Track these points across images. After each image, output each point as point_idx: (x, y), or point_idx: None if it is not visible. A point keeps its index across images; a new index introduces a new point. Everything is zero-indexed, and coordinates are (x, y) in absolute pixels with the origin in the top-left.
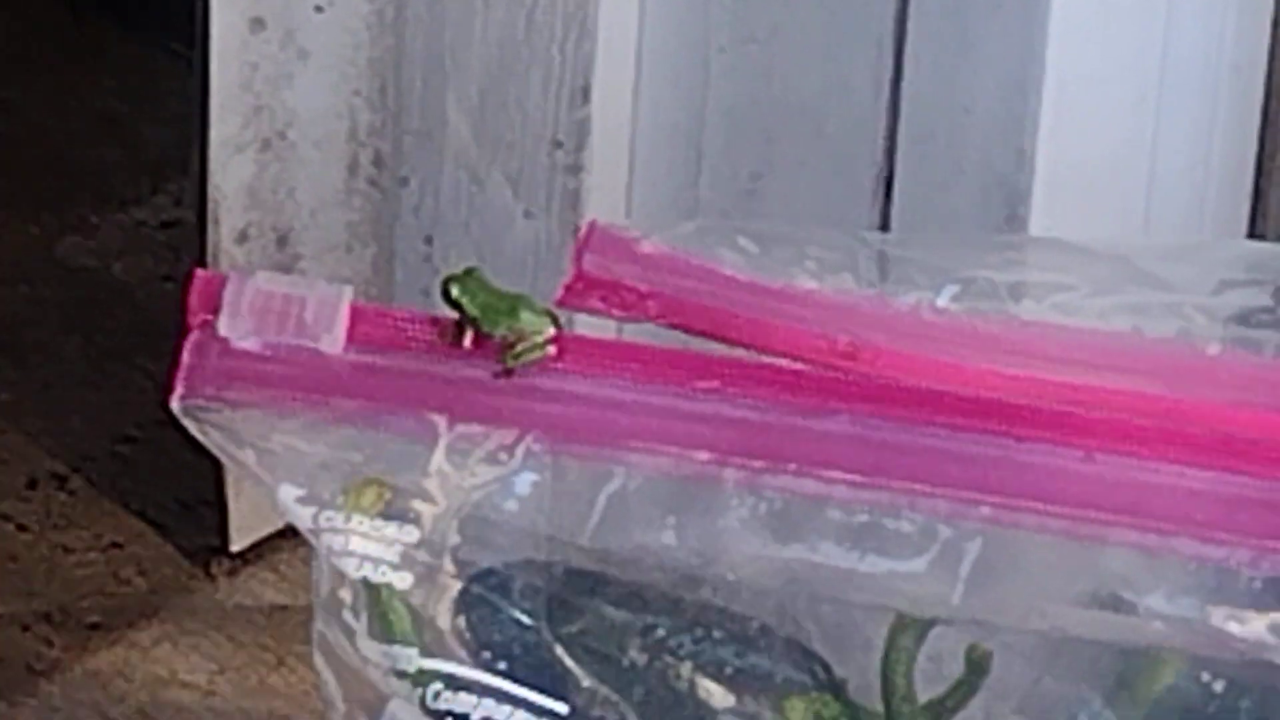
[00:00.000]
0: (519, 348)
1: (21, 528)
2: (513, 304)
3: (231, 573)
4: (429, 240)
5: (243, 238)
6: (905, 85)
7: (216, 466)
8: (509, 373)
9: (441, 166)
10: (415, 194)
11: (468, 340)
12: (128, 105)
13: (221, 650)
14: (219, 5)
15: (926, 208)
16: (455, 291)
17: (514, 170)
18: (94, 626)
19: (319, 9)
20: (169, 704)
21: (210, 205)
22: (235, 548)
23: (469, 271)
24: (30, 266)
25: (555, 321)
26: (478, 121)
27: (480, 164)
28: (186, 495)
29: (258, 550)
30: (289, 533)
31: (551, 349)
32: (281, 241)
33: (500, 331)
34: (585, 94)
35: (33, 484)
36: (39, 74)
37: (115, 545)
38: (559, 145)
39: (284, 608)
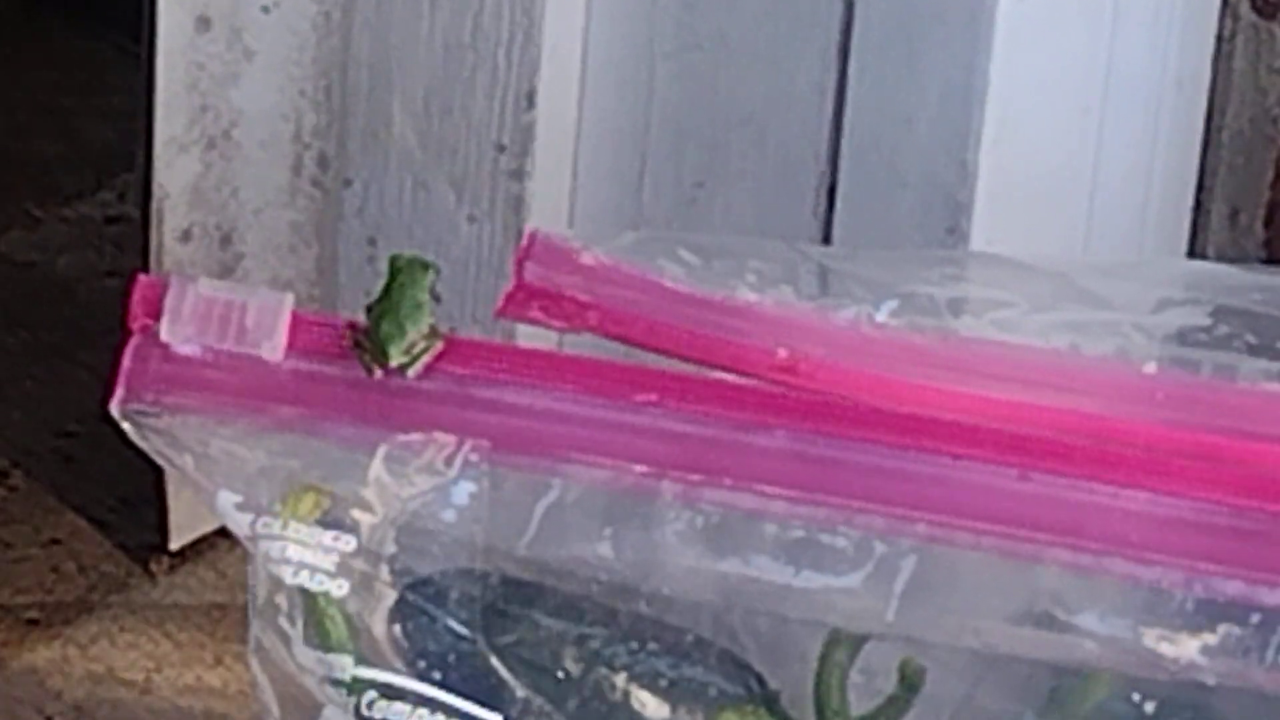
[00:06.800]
0: (413, 362)
1: None
2: (401, 325)
3: (170, 570)
4: (372, 242)
5: (186, 236)
6: (849, 96)
7: (157, 465)
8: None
9: (386, 169)
10: (359, 196)
11: (377, 373)
12: (73, 100)
13: (159, 648)
14: (166, 3)
15: (868, 218)
16: (384, 335)
17: (458, 174)
18: (32, 622)
19: (266, 9)
20: (106, 701)
21: (154, 203)
22: (174, 545)
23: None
24: None
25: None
26: (422, 124)
27: (424, 167)
28: (127, 492)
29: (197, 548)
30: (228, 532)
31: (439, 344)
32: (225, 241)
33: (396, 361)
34: (530, 99)
35: None
36: None
37: (55, 541)
38: (503, 150)
39: (222, 606)
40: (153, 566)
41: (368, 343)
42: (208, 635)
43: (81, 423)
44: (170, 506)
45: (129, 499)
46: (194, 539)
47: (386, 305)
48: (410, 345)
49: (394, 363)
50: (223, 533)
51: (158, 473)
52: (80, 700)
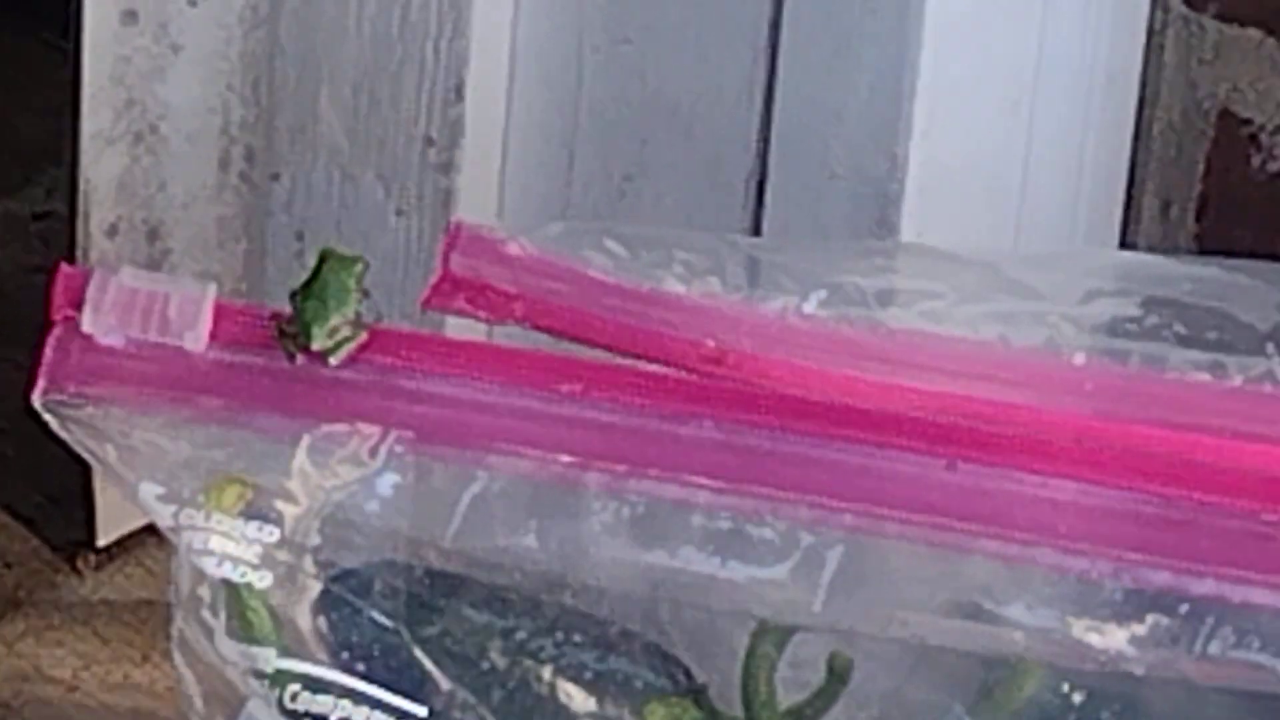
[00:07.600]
0: (337, 348)
1: None
2: (325, 305)
3: (98, 567)
4: (300, 236)
5: (113, 231)
6: (778, 88)
7: (84, 461)
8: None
9: (314, 163)
10: (287, 190)
11: (299, 359)
12: (2, 96)
13: (87, 645)
14: None
15: (798, 211)
16: (308, 316)
17: (386, 168)
18: None
19: (192, 2)
20: (33, 698)
21: (81, 198)
22: (102, 542)
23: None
24: None
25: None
26: (350, 118)
27: (352, 161)
28: (54, 489)
29: (124, 545)
30: (156, 528)
31: (363, 334)
32: (152, 235)
33: (319, 344)
34: (459, 92)
35: None
36: None
37: None
38: (431, 143)
39: (150, 603)
40: (80, 564)
41: (290, 328)
42: (135, 632)
43: (8, 419)
44: (98, 503)
45: (56, 496)
46: (122, 536)
47: (312, 289)
48: (334, 329)
49: (316, 345)
50: (150, 529)
51: (85, 469)
52: (7, 698)
